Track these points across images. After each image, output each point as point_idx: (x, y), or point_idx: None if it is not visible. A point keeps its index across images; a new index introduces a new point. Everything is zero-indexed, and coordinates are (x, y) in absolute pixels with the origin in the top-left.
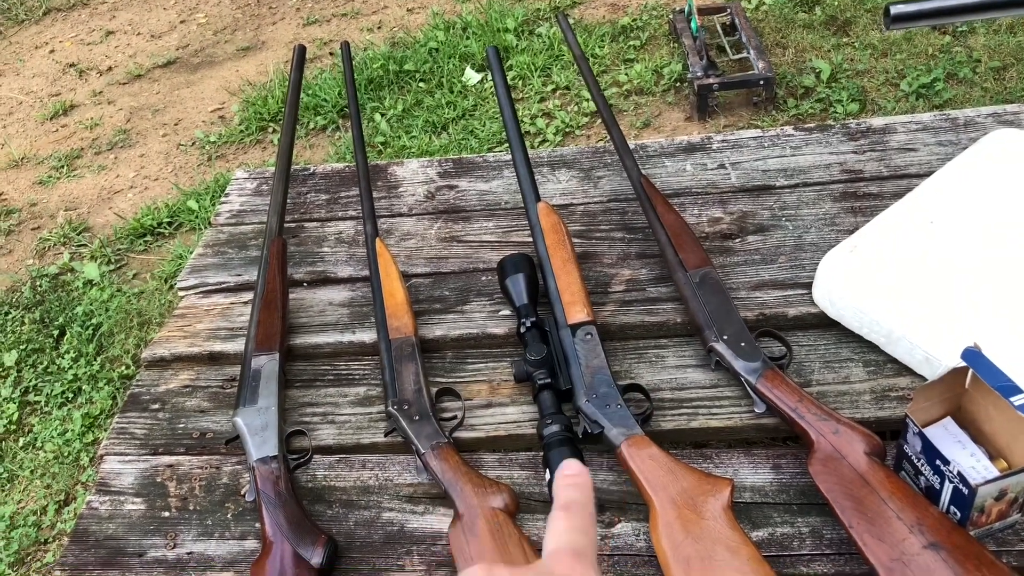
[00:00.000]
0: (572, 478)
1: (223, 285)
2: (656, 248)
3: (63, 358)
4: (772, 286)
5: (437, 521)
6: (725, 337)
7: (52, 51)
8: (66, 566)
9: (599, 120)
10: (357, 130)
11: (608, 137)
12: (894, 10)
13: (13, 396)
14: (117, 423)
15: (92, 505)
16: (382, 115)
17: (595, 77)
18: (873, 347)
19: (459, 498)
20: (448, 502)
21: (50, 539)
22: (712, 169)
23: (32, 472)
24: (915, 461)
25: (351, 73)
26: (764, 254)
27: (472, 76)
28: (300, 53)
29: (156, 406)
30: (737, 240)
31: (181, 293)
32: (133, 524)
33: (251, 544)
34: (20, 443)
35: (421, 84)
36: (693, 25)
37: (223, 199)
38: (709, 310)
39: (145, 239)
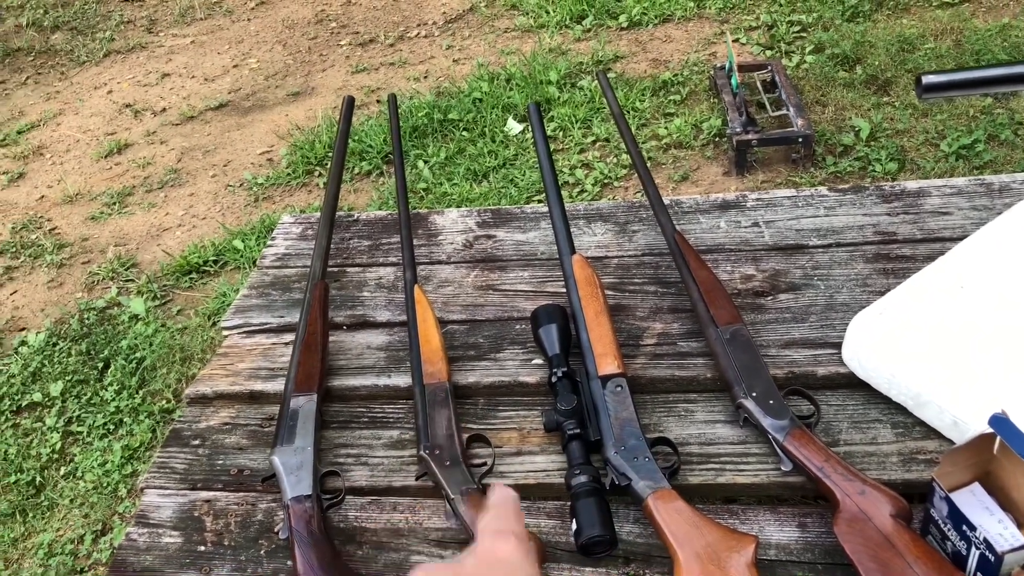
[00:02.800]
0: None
1: (266, 326)
2: (688, 303)
3: (106, 390)
4: (802, 345)
5: None
6: (754, 394)
7: (110, 91)
8: None
9: (636, 173)
10: (401, 181)
11: (644, 192)
12: (926, 80)
13: (57, 426)
14: (158, 457)
15: (131, 537)
16: (425, 162)
17: (632, 134)
18: (901, 409)
19: None
20: None
21: (86, 568)
22: (746, 227)
23: (71, 501)
24: (942, 526)
25: (397, 126)
26: (795, 313)
27: (514, 126)
28: (349, 105)
29: (196, 442)
30: (769, 298)
31: (225, 332)
32: (170, 557)
33: None
34: (61, 472)
35: (464, 133)
36: (733, 81)
37: (269, 242)
38: (739, 366)
39: (191, 276)
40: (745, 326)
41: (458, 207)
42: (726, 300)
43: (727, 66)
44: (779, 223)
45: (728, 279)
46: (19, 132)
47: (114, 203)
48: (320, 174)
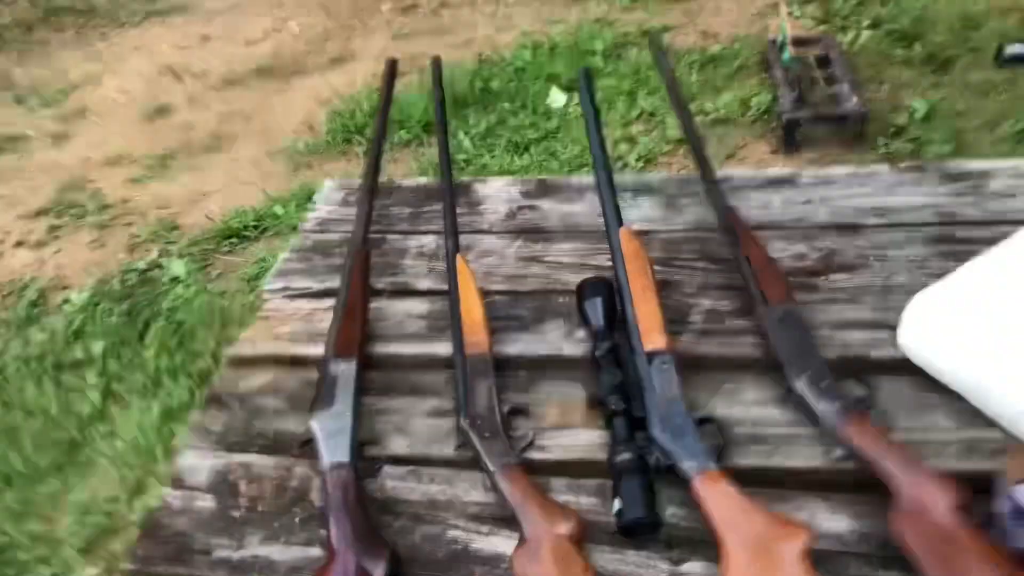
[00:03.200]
0: None
1: (307, 291)
2: (738, 280)
3: (147, 351)
4: (857, 327)
5: (502, 543)
6: (806, 376)
7: (151, 53)
8: (136, 559)
9: (682, 149)
10: (443, 146)
11: (691, 165)
12: (1009, 50)
13: (97, 384)
14: (196, 418)
15: (165, 499)
16: (466, 133)
17: (684, 101)
18: (961, 397)
19: (526, 521)
20: (514, 524)
21: (120, 528)
22: (800, 204)
23: (109, 460)
24: (1006, 521)
25: (440, 88)
26: (850, 294)
27: (557, 98)
28: (391, 67)
29: (236, 404)
30: (822, 278)
31: (267, 296)
32: (203, 522)
33: (316, 552)
34: (100, 431)
35: (506, 104)
36: (785, 56)
37: (311, 207)
38: (790, 347)
39: (231, 240)
40: (797, 306)
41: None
42: (778, 278)
43: (779, 40)
44: (834, 201)
45: (779, 257)
46: (63, 92)
47: (156, 166)
48: (359, 143)
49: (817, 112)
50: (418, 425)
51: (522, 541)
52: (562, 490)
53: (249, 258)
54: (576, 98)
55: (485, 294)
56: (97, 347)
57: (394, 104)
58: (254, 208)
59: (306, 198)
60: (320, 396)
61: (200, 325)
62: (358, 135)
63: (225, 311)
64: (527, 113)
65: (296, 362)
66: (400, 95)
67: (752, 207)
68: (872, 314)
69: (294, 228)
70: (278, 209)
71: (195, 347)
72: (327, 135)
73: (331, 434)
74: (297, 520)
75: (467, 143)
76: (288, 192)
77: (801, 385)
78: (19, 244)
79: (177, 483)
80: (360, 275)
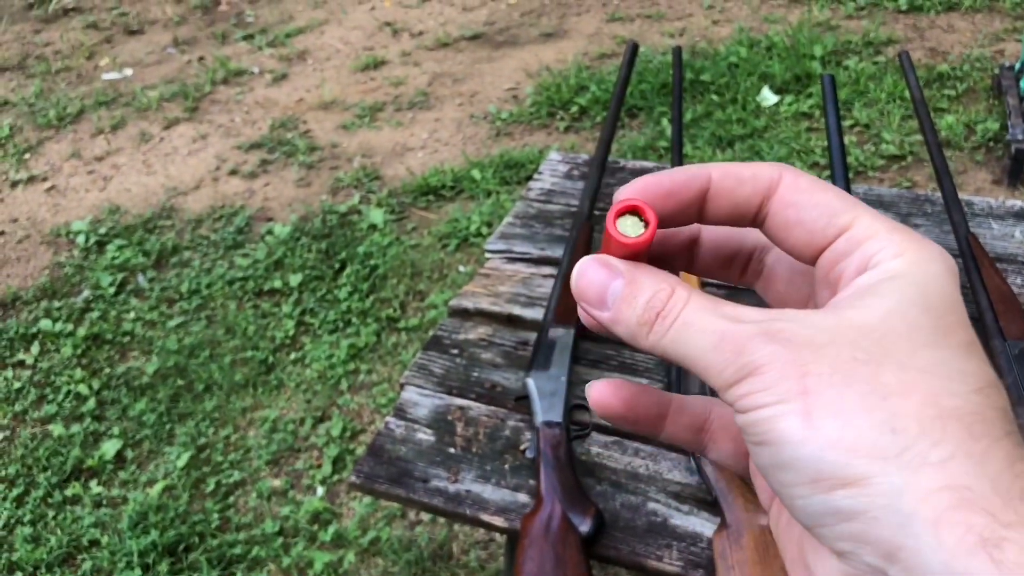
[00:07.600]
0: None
1: (526, 256)
2: (970, 311)
3: (340, 289)
4: None
5: (701, 524)
6: None
7: (373, 8)
8: (361, 475)
9: (896, 165)
10: (677, 134)
11: (906, 184)
12: None
13: (292, 314)
14: (419, 359)
15: (389, 426)
16: (670, 121)
17: (932, 122)
18: None
19: (728, 509)
20: (715, 509)
21: (302, 449)
22: None
23: (297, 386)
24: None
25: (679, 76)
26: None
27: (768, 97)
28: (632, 50)
29: (455, 351)
30: None
31: (488, 255)
32: (422, 452)
33: (523, 498)
34: (291, 357)
35: (714, 96)
36: (1022, 84)
37: (536, 176)
38: None
39: (427, 197)
40: None
41: None
42: (1018, 314)
43: (1017, 67)
44: None
45: (1016, 293)
46: (287, 36)
47: (365, 116)
48: (562, 118)
49: None
50: None
51: (723, 526)
52: None
53: (443, 216)
54: (788, 100)
55: (702, 285)
56: (294, 279)
57: (602, 83)
58: (453, 169)
59: (505, 166)
60: (537, 357)
61: (392, 274)
62: (562, 111)
63: (416, 264)
64: (735, 108)
65: (512, 321)
66: (608, 76)
67: (991, 237)
68: None
69: (488, 193)
70: (475, 173)
71: (385, 293)
72: (531, 107)
73: (546, 394)
74: (507, 467)
75: (670, 131)
76: (487, 158)
77: None
78: (233, 173)
79: (400, 414)
80: (584, 247)
